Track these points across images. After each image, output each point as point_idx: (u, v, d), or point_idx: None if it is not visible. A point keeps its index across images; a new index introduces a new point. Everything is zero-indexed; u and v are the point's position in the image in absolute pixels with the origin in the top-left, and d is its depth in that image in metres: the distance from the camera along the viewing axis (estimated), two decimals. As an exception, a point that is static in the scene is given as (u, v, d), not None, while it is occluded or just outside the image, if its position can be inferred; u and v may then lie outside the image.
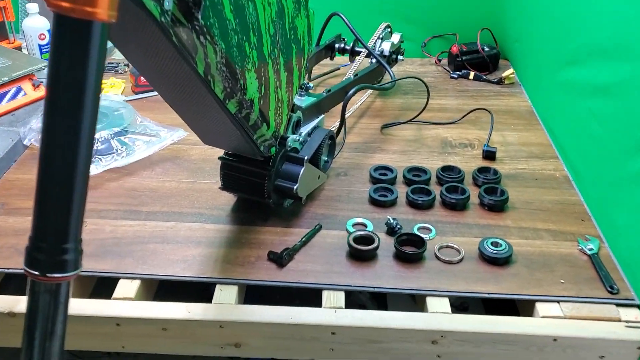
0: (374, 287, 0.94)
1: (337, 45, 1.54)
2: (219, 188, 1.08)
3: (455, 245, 1.02)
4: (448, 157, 1.28)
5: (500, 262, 0.98)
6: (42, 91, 1.40)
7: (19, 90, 1.36)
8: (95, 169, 1.16)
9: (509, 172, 1.24)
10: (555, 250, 1.02)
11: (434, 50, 1.80)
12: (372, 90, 1.56)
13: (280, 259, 0.97)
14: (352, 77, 1.32)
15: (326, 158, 1.19)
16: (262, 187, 1.02)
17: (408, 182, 1.18)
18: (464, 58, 1.69)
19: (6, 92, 1.34)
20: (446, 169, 1.21)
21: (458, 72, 1.69)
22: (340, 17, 1.41)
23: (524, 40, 1.62)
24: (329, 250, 1.01)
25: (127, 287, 0.93)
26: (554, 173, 1.24)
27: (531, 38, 1.56)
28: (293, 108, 1.04)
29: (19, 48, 1.56)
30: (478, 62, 1.70)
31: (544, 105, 1.46)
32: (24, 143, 1.24)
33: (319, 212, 1.11)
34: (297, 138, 1.07)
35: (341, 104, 1.21)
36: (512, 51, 1.72)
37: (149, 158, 1.24)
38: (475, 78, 1.67)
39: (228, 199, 1.13)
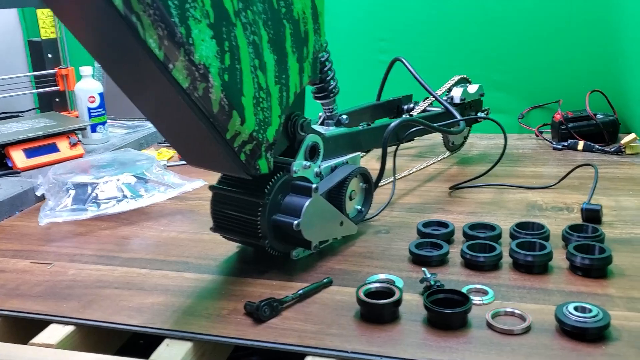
0: (384, 357, 0.62)
1: (405, 106, 1.32)
2: (210, 229, 0.85)
3: (517, 311, 0.68)
4: (533, 220, 0.95)
5: (589, 334, 0.62)
6: (78, 150, 1.31)
7: (53, 147, 1.28)
8: (87, 213, 0.99)
9: (620, 236, 0.88)
10: (688, 329, 0.64)
11: (533, 122, 1.51)
12: (445, 155, 1.29)
13: (257, 311, 0.69)
14: (406, 116, 1.07)
15: (360, 207, 0.93)
16: (255, 221, 0.77)
17: (469, 239, 0.87)
18: (569, 125, 1.38)
19: (39, 148, 1.27)
20: (524, 225, 0.89)
21: (563, 143, 1.37)
22: (403, 62, 1.20)
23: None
24: (334, 308, 0.72)
25: (54, 333, 0.70)
26: (693, 240, 0.86)
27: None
28: (303, 125, 0.81)
29: (78, 118, 1.53)
30: (589, 131, 1.37)
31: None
32: (36, 193, 1.13)
33: (337, 267, 0.83)
34: (309, 165, 0.83)
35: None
36: (635, 116, 1.38)
37: (160, 211, 1.06)
38: (586, 148, 1.34)
39: (226, 250, 0.89)
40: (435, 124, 1.03)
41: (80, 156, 1.30)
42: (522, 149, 1.40)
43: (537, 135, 1.48)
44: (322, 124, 0.98)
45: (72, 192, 1.03)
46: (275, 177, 0.79)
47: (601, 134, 1.37)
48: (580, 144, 1.35)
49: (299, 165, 0.81)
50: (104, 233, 0.99)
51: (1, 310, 0.75)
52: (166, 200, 1.08)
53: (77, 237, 0.98)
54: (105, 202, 1.02)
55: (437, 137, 1.34)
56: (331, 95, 0.94)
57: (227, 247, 0.90)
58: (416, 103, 1.33)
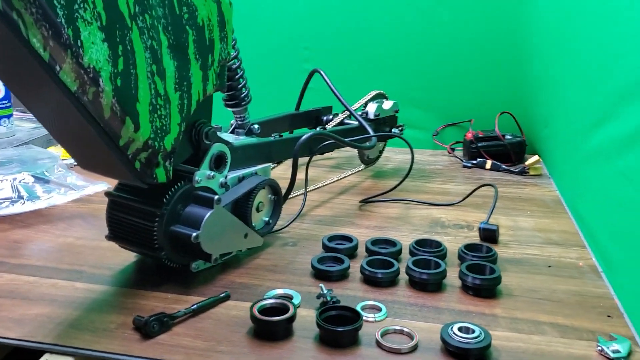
0: (269, 376, 0.62)
1: (325, 118, 1.33)
2: (106, 237, 0.82)
3: (406, 329, 0.69)
4: (435, 237, 0.98)
5: (471, 355, 0.64)
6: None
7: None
8: (-22, 213, 0.94)
9: (514, 256, 0.92)
10: (561, 350, 0.67)
11: (447, 139, 1.56)
12: (360, 168, 1.31)
13: (145, 326, 0.67)
14: (318, 130, 1.08)
15: (267, 219, 0.92)
16: (151, 231, 0.75)
17: (370, 254, 0.88)
18: (479, 145, 1.43)
19: None
20: (423, 243, 0.91)
21: (473, 161, 1.42)
22: (321, 74, 1.21)
23: (553, 123, 1.36)
24: (227, 324, 0.71)
25: None
26: (576, 262, 0.91)
27: (561, 117, 1.29)
28: (208, 133, 0.80)
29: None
30: (497, 151, 1.43)
31: (573, 190, 1.15)
32: None
33: (237, 281, 0.82)
34: (212, 174, 0.81)
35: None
36: (540, 139, 1.45)
37: (60, 213, 1.01)
38: (493, 167, 1.39)
39: (125, 259, 0.86)
40: (347, 139, 1.04)
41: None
42: (434, 165, 1.44)
43: (449, 153, 1.52)
44: (232, 132, 0.97)
45: (-38, 191, 0.97)
46: (176, 187, 0.77)
47: (508, 154, 1.43)
48: (488, 163, 1.40)
49: (202, 175, 0.80)
50: (-6, 236, 0.94)
51: None
52: (67, 203, 1.04)
53: (-36, 239, 0.92)
54: (1, 202, 0.97)
55: (354, 149, 1.35)
56: (242, 103, 0.93)
57: (125, 256, 0.87)
58: (335, 114, 1.35)
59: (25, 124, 1.49)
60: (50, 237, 0.94)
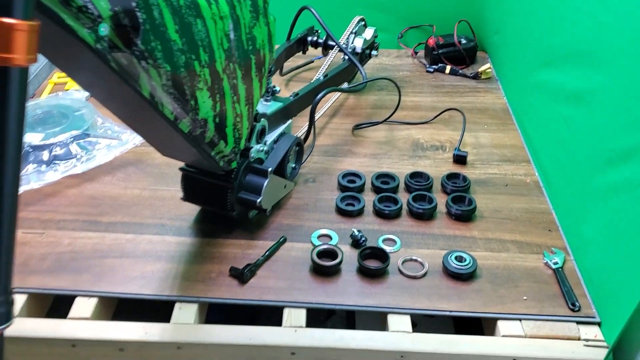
0: (336, 305, 0.93)
1: (309, 39, 1.50)
2: (181, 199, 1.05)
3: (419, 259, 1.00)
4: (418, 161, 1.26)
5: (464, 277, 0.97)
6: None
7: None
8: (54, 175, 1.13)
9: (480, 177, 1.22)
10: (520, 264, 1.01)
11: (410, 42, 1.76)
12: (343, 86, 1.53)
13: (241, 276, 0.95)
14: (321, 77, 1.28)
15: (294, 165, 1.16)
16: (225, 199, 0.99)
17: (376, 189, 1.16)
18: (440, 51, 1.65)
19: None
20: (415, 175, 1.19)
21: (434, 66, 1.66)
22: (311, 11, 1.36)
23: (502, 34, 1.59)
24: (292, 264, 0.99)
25: (83, 306, 0.91)
26: (525, 178, 1.22)
27: (510, 31, 1.53)
28: (256, 117, 1.01)
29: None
30: (455, 55, 1.66)
31: (519, 105, 1.43)
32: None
33: (284, 223, 1.09)
34: (262, 148, 1.04)
35: (310, 107, 1.18)
36: (491, 44, 1.69)
37: (110, 162, 1.20)
38: (452, 72, 1.64)
39: (191, 209, 1.10)
40: (345, 87, 1.26)
41: None
42: (401, 70, 1.66)
43: (412, 56, 1.74)
44: (258, 95, 1.15)
45: (32, 155, 1.13)
46: (238, 164, 0.99)
47: (464, 57, 1.67)
48: (448, 68, 1.64)
49: (255, 150, 1.02)
50: (71, 192, 1.13)
51: (28, 289, 0.93)
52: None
53: (48, 198, 1.11)
54: (65, 162, 1.15)
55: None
56: (268, 74, 1.11)
57: (191, 206, 1.10)
58: (318, 33, 1.52)
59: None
60: (118, 190, 1.15)
